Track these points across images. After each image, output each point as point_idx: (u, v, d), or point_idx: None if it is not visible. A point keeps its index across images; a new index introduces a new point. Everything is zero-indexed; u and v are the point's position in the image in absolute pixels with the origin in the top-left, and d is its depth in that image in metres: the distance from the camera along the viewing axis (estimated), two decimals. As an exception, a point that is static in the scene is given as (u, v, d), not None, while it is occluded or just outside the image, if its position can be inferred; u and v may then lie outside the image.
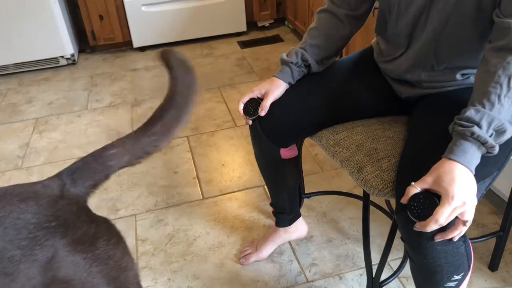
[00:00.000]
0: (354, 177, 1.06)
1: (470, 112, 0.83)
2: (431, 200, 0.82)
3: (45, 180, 0.74)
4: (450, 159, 0.83)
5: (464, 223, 0.84)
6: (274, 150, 1.24)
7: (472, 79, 1.05)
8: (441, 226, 0.82)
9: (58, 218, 0.68)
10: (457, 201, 0.80)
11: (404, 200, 0.86)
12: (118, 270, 0.77)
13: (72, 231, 0.70)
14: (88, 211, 0.77)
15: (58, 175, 0.76)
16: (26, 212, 0.66)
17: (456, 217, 0.83)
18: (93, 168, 0.78)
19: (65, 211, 0.70)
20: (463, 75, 1.05)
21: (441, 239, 0.88)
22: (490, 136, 0.83)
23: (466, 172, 0.82)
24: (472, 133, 0.82)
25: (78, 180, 0.76)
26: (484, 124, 0.82)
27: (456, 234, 0.86)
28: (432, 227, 0.82)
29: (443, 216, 0.80)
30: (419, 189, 0.84)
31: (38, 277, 0.66)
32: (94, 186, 0.78)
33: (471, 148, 0.82)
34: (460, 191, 0.80)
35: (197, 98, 0.86)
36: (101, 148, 0.80)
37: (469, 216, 0.83)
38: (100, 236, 0.75)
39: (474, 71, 1.02)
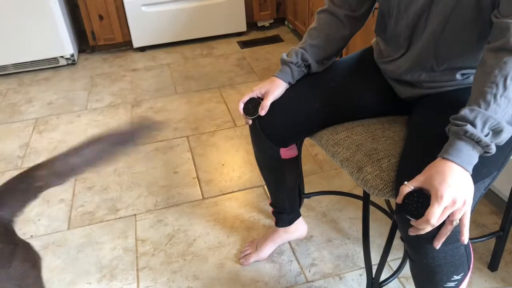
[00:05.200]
0: (354, 177, 1.06)
1: (465, 112, 0.83)
2: (425, 198, 0.82)
3: None
4: (444, 158, 0.82)
5: (451, 222, 0.83)
6: (274, 150, 1.24)
7: (471, 79, 1.05)
8: (434, 227, 0.82)
9: None
10: (446, 200, 0.79)
11: (398, 199, 0.86)
12: None
13: None
14: (12, 233, 0.81)
15: None
16: None
17: (448, 217, 0.83)
18: (21, 190, 0.82)
19: None
20: (463, 75, 1.05)
21: (438, 243, 0.88)
22: (487, 135, 0.82)
23: (460, 172, 0.81)
24: (466, 132, 0.81)
25: (6, 204, 0.80)
26: (478, 122, 0.81)
27: (448, 232, 0.85)
28: (425, 228, 0.82)
29: (434, 216, 0.80)
30: (412, 187, 0.84)
31: None
32: (22, 206, 0.82)
33: (465, 147, 0.82)
34: (449, 190, 0.79)
35: (128, 149, 0.92)
36: (29, 169, 0.83)
37: (460, 216, 0.82)
38: (16, 257, 0.79)
39: (474, 71, 1.02)
